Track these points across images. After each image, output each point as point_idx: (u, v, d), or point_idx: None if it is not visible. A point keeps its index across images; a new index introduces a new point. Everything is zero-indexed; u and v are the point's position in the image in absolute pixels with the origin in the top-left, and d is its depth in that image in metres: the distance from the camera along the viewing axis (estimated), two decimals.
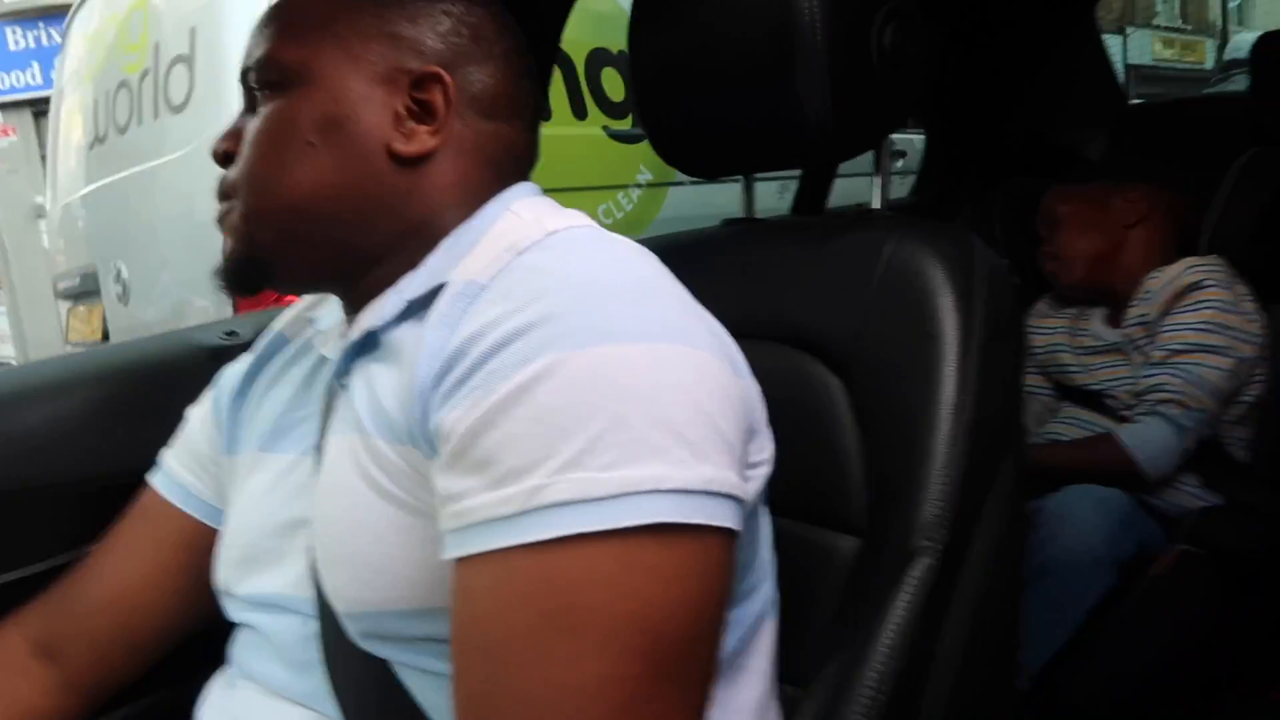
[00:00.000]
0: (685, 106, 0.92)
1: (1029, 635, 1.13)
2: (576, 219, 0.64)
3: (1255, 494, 1.37)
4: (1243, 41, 7.94)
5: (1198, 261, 1.47)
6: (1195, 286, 1.43)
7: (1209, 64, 15.52)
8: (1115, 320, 1.60)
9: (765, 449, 0.62)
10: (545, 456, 0.48)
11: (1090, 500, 1.26)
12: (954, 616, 0.75)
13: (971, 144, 2.02)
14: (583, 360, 0.49)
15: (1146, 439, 1.37)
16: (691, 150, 0.97)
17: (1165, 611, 1.21)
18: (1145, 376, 1.44)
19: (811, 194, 1.60)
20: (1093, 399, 1.55)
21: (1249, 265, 1.48)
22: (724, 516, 0.51)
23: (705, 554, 0.50)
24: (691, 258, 0.78)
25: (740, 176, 1.02)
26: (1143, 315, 1.51)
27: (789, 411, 0.73)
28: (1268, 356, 1.42)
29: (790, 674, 0.76)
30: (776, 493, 0.68)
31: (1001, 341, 0.81)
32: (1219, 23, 16.24)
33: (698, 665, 0.52)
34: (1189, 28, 15.38)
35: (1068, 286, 1.65)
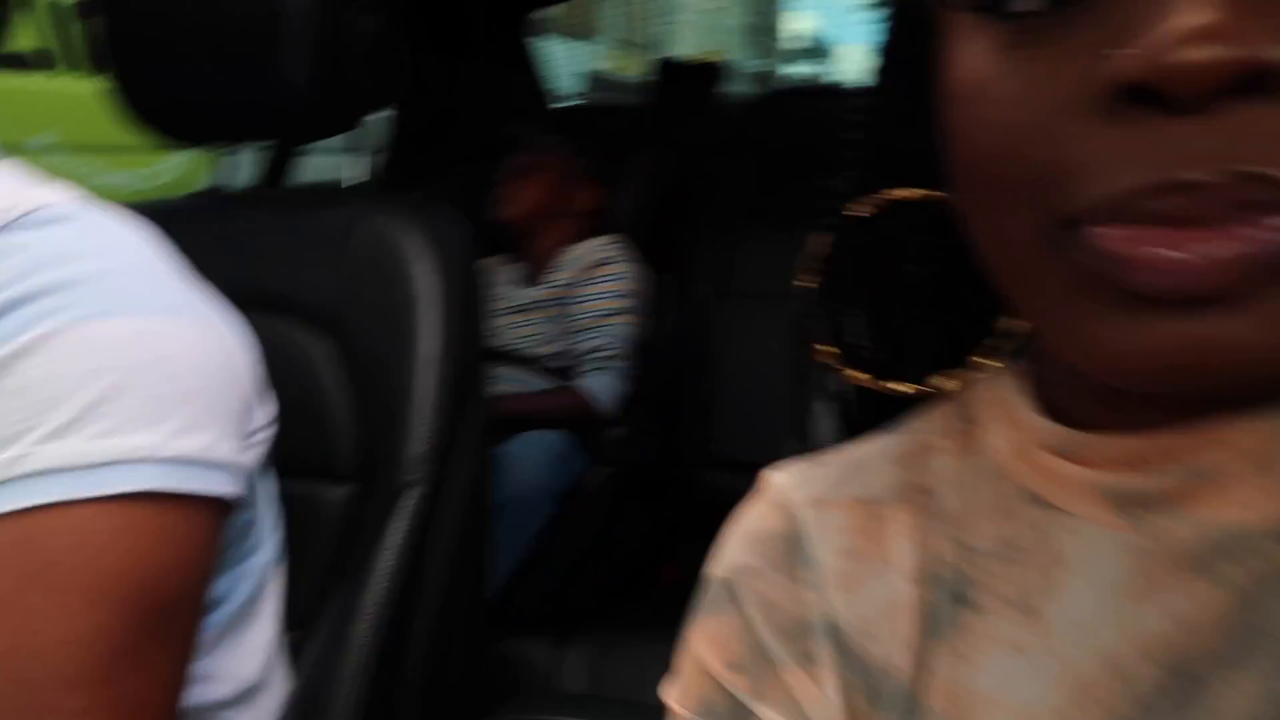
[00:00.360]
0: (165, 71, 0.91)
1: (493, 561, 1.33)
2: (60, 191, 0.62)
3: (644, 420, 1.78)
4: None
5: (611, 240, 1.89)
6: (608, 260, 1.79)
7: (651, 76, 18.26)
8: (531, 281, 1.91)
9: (267, 415, 0.68)
10: (30, 427, 0.49)
11: (536, 443, 1.52)
12: (439, 542, 0.88)
13: (430, 130, 2.19)
14: (76, 333, 0.51)
15: (602, 389, 1.73)
16: (169, 116, 0.95)
17: (585, 519, 1.50)
18: (584, 339, 1.78)
19: (278, 167, 1.64)
20: (507, 355, 1.83)
21: (645, 243, 1.88)
22: (218, 484, 0.56)
23: (198, 519, 0.56)
24: (174, 228, 0.79)
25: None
26: (565, 280, 1.86)
27: (285, 376, 0.78)
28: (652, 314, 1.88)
29: (295, 619, 0.82)
30: (280, 452, 0.73)
31: (471, 302, 0.95)
32: (652, 42, 19.13)
33: (187, 619, 0.57)
34: (638, 41, 17.81)
35: (504, 223, 1.93)
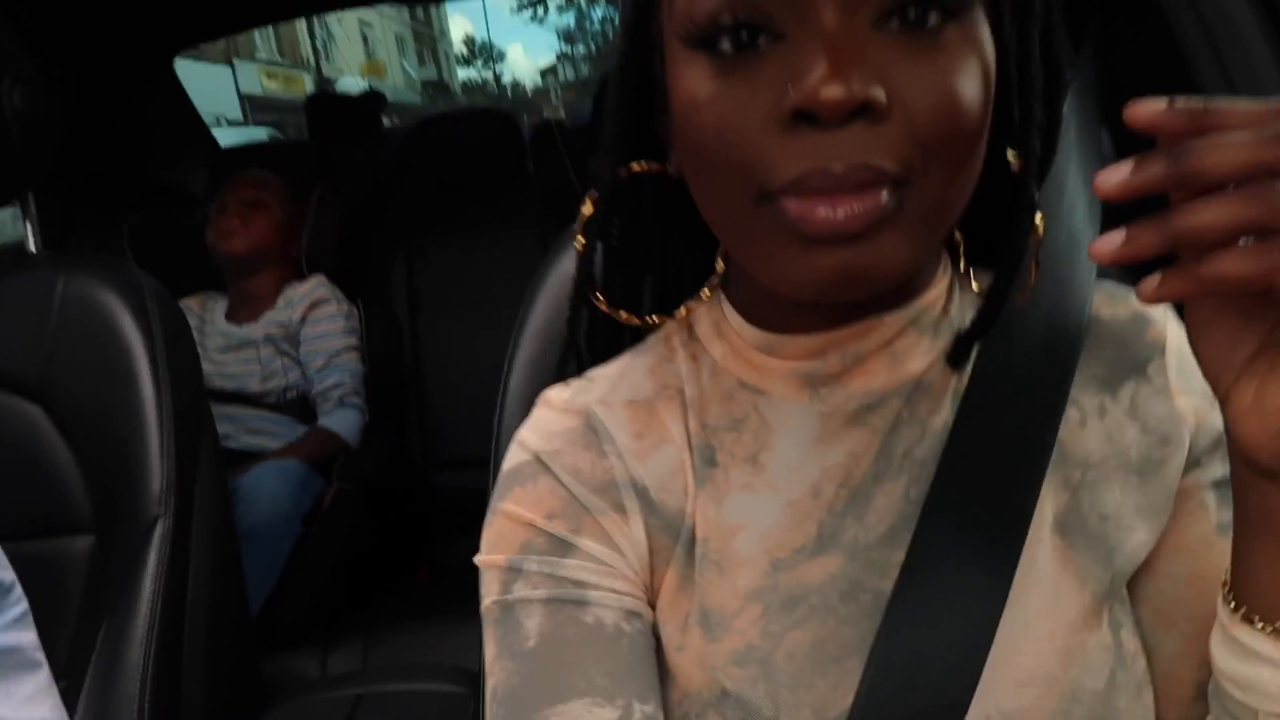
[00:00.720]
0: None
1: (250, 587, 1.37)
2: None
3: (371, 436, 1.89)
4: (346, 85, 9.34)
5: (321, 280, 1.94)
6: (324, 300, 1.87)
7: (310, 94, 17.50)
8: (243, 318, 1.92)
9: None
10: None
11: (274, 472, 1.57)
12: (197, 567, 0.95)
13: (80, 184, 2.10)
14: None
15: (347, 425, 1.80)
16: None
17: (330, 536, 1.58)
18: (320, 379, 1.85)
19: None
20: (227, 393, 1.84)
21: (334, 272, 1.96)
22: None
23: None
24: None
25: None
26: (284, 319, 1.88)
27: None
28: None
29: (62, 668, 0.87)
30: (11, 518, 0.77)
31: (179, 347, 1.01)
32: (312, 59, 18.40)
33: None
34: (287, 62, 17.01)
35: (228, 257, 1.91)
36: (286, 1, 2.45)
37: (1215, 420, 0.49)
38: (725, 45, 0.42)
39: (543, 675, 0.48)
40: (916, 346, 0.50)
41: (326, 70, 18.81)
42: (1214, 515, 0.50)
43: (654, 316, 0.57)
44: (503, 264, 2.14)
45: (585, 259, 0.55)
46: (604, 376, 0.56)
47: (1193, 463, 0.50)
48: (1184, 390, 0.51)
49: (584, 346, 0.60)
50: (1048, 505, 0.49)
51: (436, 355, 2.12)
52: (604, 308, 0.56)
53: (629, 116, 0.51)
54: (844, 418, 0.50)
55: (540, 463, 0.52)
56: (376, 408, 1.90)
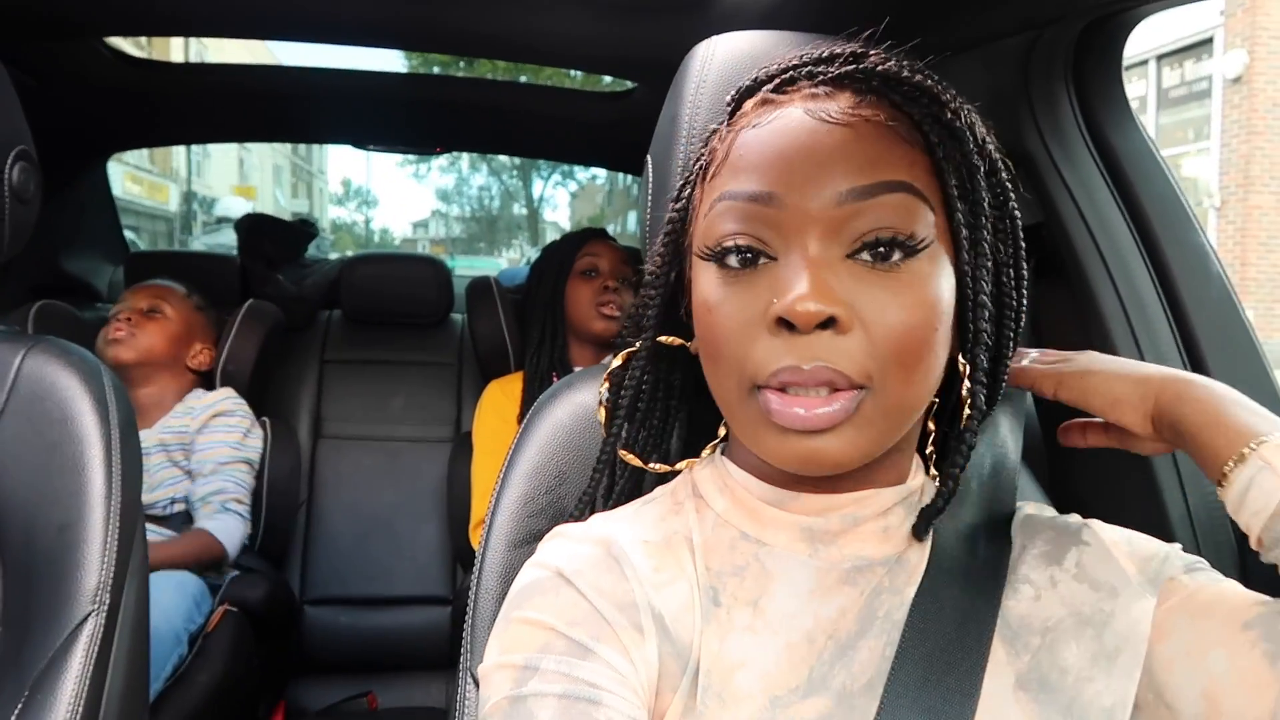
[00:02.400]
0: None
1: None
2: None
3: (257, 561, 1.82)
4: (230, 204, 9.37)
5: (230, 394, 1.90)
6: (228, 412, 1.83)
7: (173, 205, 17.11)
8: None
9: None
10: None
11: (172, 584, 1.48)
12: (114, 673, 0.90)
13: None
14: None
15: (229, 531, 1.72)
16: None
17: (213, 657, 1.49)
18: (203, 484, 1.77)
19: None
20: None
21: (248, 388, 1.93)
22: None
23: None
24: None
25: None
26: (180, 427, 1.82)
27: None
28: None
29: None
30: None
31: (131, 441, 0.99)
32: (183, 171, 18.09)
33: None
34: (156, 169, 16.64)
35: (114, 364, 1.82)
36: (219, 129, 2.51)
37: (1154, 549, 0.59)
38: (732, 261, 0.54)
39: None
40: (903, 525, 0.59)
41: (195, 185, 18.48)
42: (1189, 584, 0.56)
43: (670, 465, 0.67)
44: (412, 407, 2.17)
45: (613, 408, 0.66)
46: (617, 518, 0.63)
47: (1150, 580, 0.57)
48: (1119, 551, 0.59)
49: (608, 490, 0.67)
50: (1010, 668, 0.56)
51: (331, 488, 2.08)
52: (632, 459, 0.66)
53: (665, 303, 0.63)
54: (838, 575, 0.57)
55: (563, 577, 0.56)
56: (269, 532, 1.83)
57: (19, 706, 0.84)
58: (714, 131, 0.61)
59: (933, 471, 0.63)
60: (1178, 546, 0.59)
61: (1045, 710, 0.54)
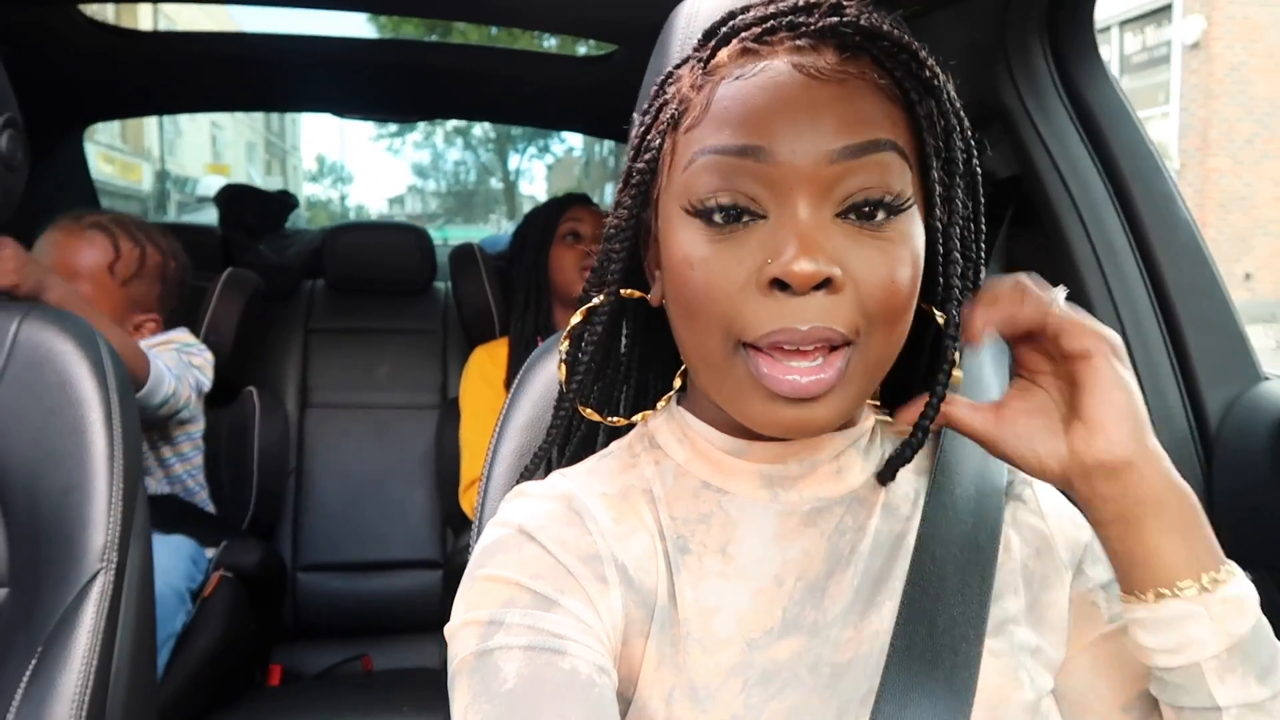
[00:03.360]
0: None
1: None
2: None
3: (251, 529, 1.84)
4: (210, 183, 9.35)
5: (185, 332, 1.75)
6: (173, 340, 1.74)
7: (146, 185, 16.86)
8: None
9: None
10: None
11: (167, 547, 1.48)
12: (124, 628, 0.92)
13: None
14: None
15: (158, 366, 1.55)
16: None
17: (212, 621, 1.51)
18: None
19: None
20: None
21: (233, 357, 1.90)
22: None
23: None
24: None
25: None
26: None
27: None
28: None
29: None
30: None
31: (128, 401, 1.01)
32: (156, 150, 17.79)
33: None
34: (128, 149, 16.36)
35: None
36: (193, 98, 2.49)
37: (1081, 536, 0.62)
38: (717, 218, 0.53)
39: (521, 711, 0.49)
40: (854, 465, 0.61)
41: (169, 163, 18.20)
42: (1105, 611, 0.60)
43: (627, 418, 0.67)
44: (398, 375, 2.18)
45: (573, 364, 0.65)
46: (575, 474, 0.64)
47: (1077, 574, 0.61)
48: (1052, 515, 0.63)
49: (563, 444, 0.68)
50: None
51: (320, 456, 2.09)
52: (590, 414, 0.66)
53: (629, 256, 0.62)
54: (799, 518, 0.59)
55: (525, 533, 0.57)
56: (262, 499, 1.85)
57: (33, 663, 0.86)
58: (672, 76, 0.60)
59: (881, 415, 0.65)
60: (1096, 543, 0.61)
61: (995, 641, 0.58)
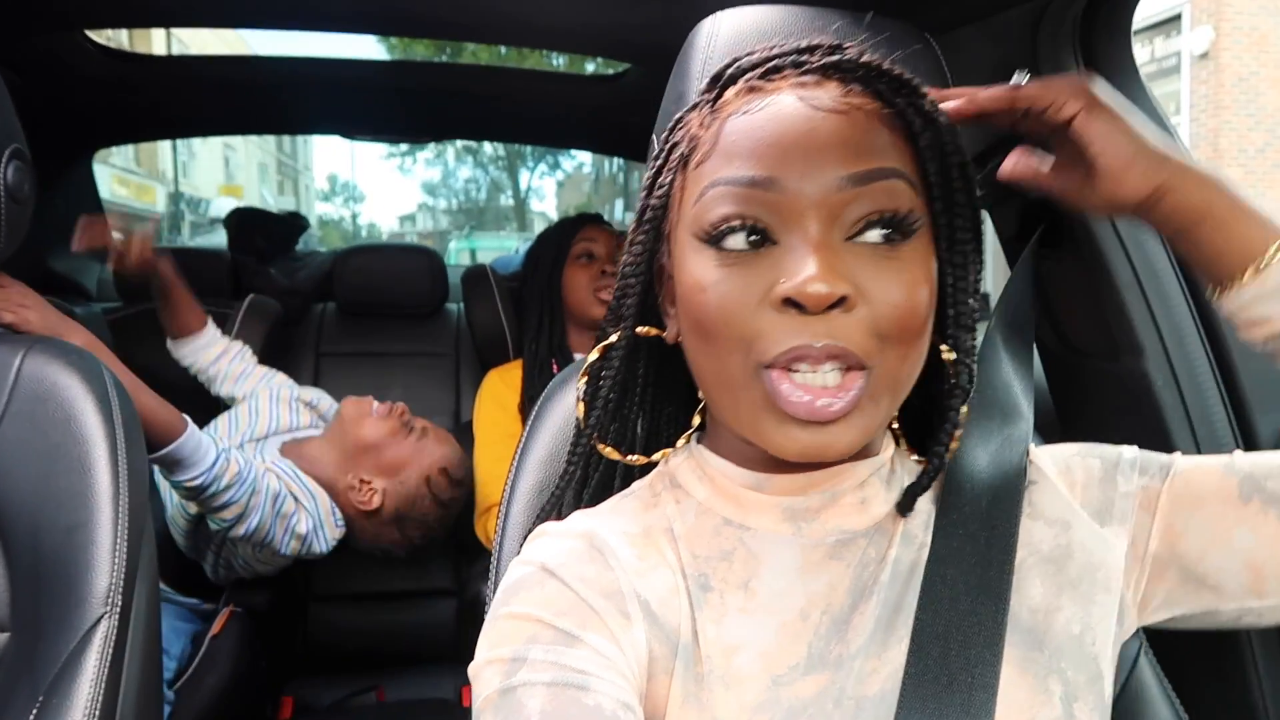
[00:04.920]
0: None
1: None
2: None
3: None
4: (224, 204, 9.44)
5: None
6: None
7: (160, 206, 17.00)
8: None
9: None
10: None
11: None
12: (129, 675, 0.88)
13: None
14: None
15: (204, 445, 1.49)
16: None
17: (220, 659, 1.48)
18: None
19: None
20: None
21: None
22: None
23: None
24: None
25: None
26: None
27: None
28: None
29: None
30: None
31: (136, 440, 0.98)
32: (170, 172, 17.95)
33: None
34: (144, 171, 16.51)
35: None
36: (205, 122, 2.48)
37: (1091, 473, 0.63)
38: (729, 243, 0.54)
39: None
40: (878, 495, 0.60)
41: (182, 185, 18.35)
42: (1164, 471, 0.62)
43: (646, 457, 0.67)
44: (410, 399, 2.15)
45: (590, 401, 0.65)
46: (597, 513, 0.63)
47: (1099, 511, 0.62)
48: (1065, 481, 0.63)
49: (581, 486, 0.68)
50: None
51: None
52: (609, 452, 0.66)
53: (645, 292, 0.63)
54: (823, 551, 0.59)
55: (547, 571, 0.57)
56: None
57: (34, 711, 0.83)
58: (682, 120, 0.62)
59: (902, 444, 0.65)
60: (1118, 453, 0.63)
61: (1024, 651, 0.57)
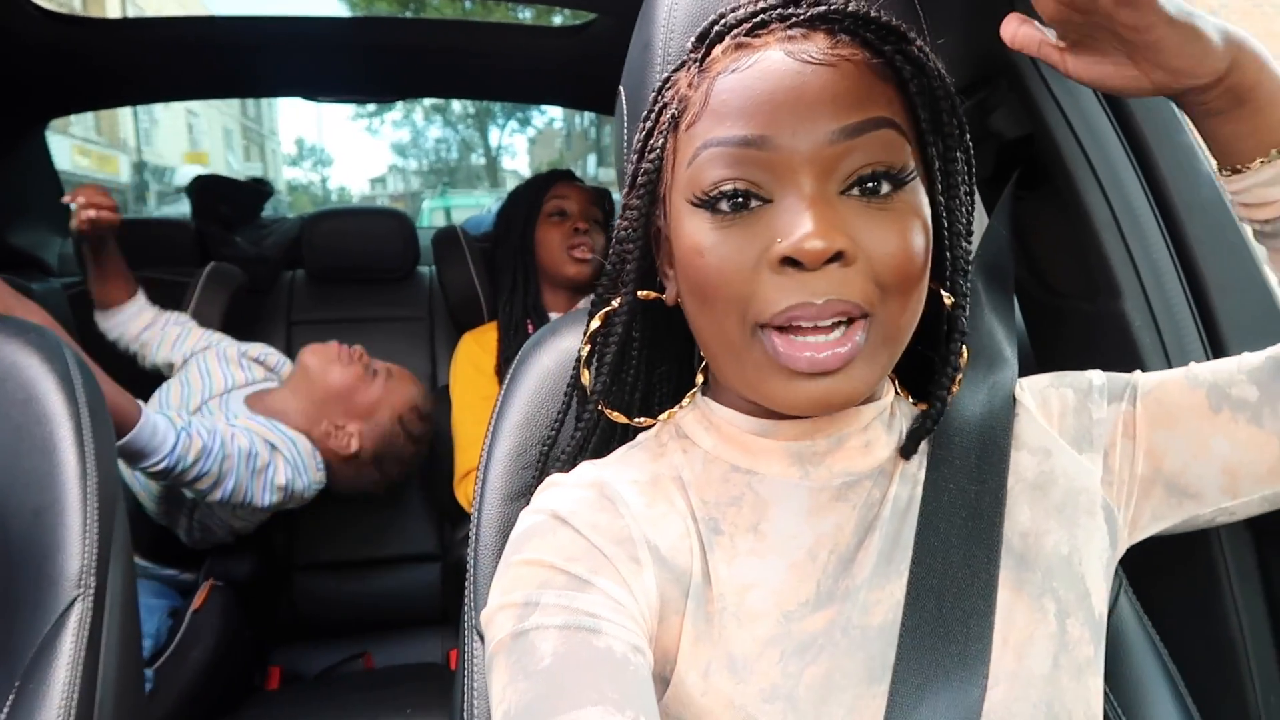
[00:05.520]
0: None
1: None
2: None
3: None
4: (189, 172, 9.34)
5: None
6: None
7: (124, 177, 16.64)
8: None
9: None
10: None
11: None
12: (107, 658, 0.87)
13: None
14: None
15: (161, 427, 1.41)
16: None
17: (204, 633, 1.47)
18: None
19: None
20: None
21: None
22: None
23: None
24: None
25: None
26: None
27: None
28: None
29: None
30: None
31: (100, 416, 0.96)
32: (132, 140, 17.54)
33: None
34: (104, 140, 16.12)
35: None
36: (162, 87, 2.41)
37: (1067, 402, 0.65)
38: (724, 206, 0.55)
39: (558, 688, 0.50)
40: (880, 438, 0.62)
41: (146, 154, 17.96)
42: (1136, 394, 0.64)
43: (643, 419, 0.68)
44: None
45: (596, 367, 0.66)
46: (605, 464, 0.65)
47: (1077, 438, 0.64)
48: (1043, 413, 0.65)
49: (586, 443, 0.68)
50: None
51: None
52: (617, 417, 0.67)
53: (643, 256, 0.63)
54: (830, 493, 0.61)
55: (559, 519, 0.58)
56: None
57: (11, 697, 0.81)
58: (670, 80, 0.61)
59: (908, 398, 0.66)
60: (1087, 380, 0.65)
61: (1019, 573, 0.60)
